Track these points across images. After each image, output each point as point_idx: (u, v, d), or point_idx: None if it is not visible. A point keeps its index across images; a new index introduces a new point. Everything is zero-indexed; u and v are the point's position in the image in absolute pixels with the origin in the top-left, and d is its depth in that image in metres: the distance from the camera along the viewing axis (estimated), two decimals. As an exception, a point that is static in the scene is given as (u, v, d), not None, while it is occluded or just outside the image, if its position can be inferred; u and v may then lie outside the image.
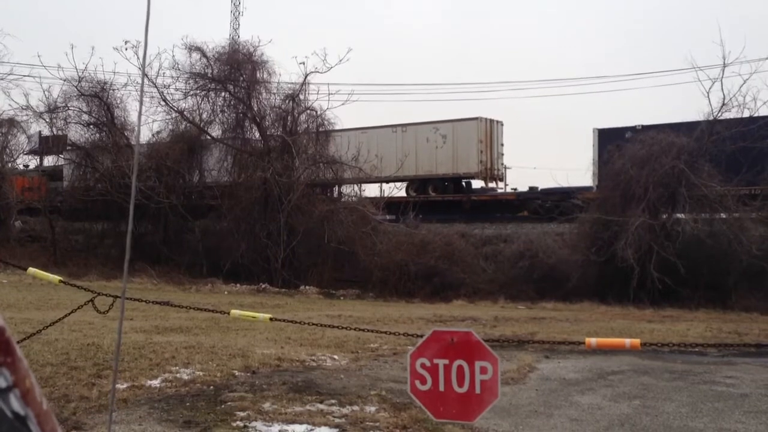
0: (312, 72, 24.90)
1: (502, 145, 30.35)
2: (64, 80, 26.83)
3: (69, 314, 5.93)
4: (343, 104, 26.29)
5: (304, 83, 25.36)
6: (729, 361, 9.76)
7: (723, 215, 20.07)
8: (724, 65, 19.86)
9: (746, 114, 20.15)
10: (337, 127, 26.81)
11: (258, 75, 26.15)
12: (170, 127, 27.52)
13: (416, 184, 30.48)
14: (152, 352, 8.76)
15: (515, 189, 30.92)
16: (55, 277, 6.17)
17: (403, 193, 29.58)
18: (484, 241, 25.01)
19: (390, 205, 24.96)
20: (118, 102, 28.20)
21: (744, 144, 19.81)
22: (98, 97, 27.57)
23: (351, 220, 23.52)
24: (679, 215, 20.65)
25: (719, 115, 20.44)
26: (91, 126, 28.25)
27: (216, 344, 9.74)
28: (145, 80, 25.33)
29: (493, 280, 22.16)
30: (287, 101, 26.06)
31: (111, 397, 3.36)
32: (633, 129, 24.85)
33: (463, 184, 30.62)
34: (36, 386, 0.78)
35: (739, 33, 23.46)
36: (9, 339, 0.75)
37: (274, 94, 26.44)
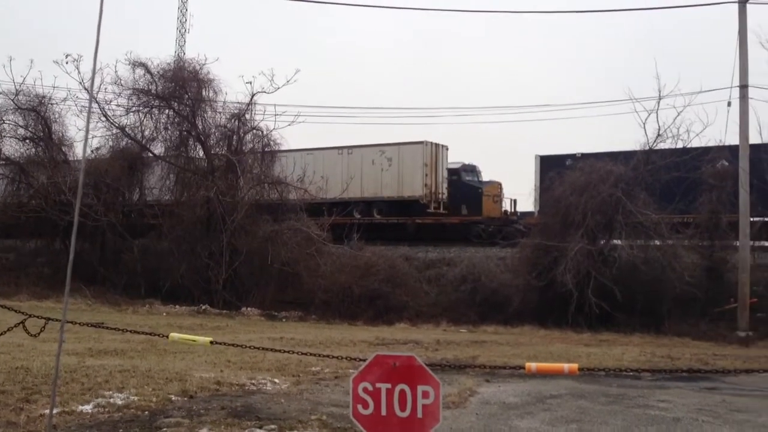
0: (259, 92, 24.81)
1: (447, 169, 30.75)
2: (0, 93, 26.13)
3: (-3, 336, 5.69)
4: (289, 125, 26.36)
5: (250, 103, 25.24)
6: (662, 385, 10.02)
7: (657, 242, 20.70)
8: (660, 98, 20.64)
9: (680, 145, 20.92)
10: (283, 148, 26.74)
11: (204, 93, 25.90)
12: (110, 143, 26.94)
13: (361, 206, 30.53)
14: (84, 376, 8.46)
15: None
16: (-16, 298, 5.92)
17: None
18: (427, 265, 25.18)
19: (335, 227, 24.90)
20: (56, 116, 27.55)
21: (677, 174, 20.52)
22: (35, 111, 26.86)
23: (295, 241, 23.36)
24: (616, 241, 21.19)
25: (655, 145, 21.17)
26: (27, 140, 27.46)
27: (152, 368, 9.48)
28: (86, 95, 24.82)
29: (436, 303, 22.30)
30: (233, 120, 25.87)
31: (48, 421, 3.24)
32: (573, 157, 25.53)
33: (408, 207, 30.79)
34: None
35: (675, 67, 24.46)
36: None
37: (220, 113, 26.24)
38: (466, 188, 30.07)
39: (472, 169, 31.03)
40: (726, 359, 13.65)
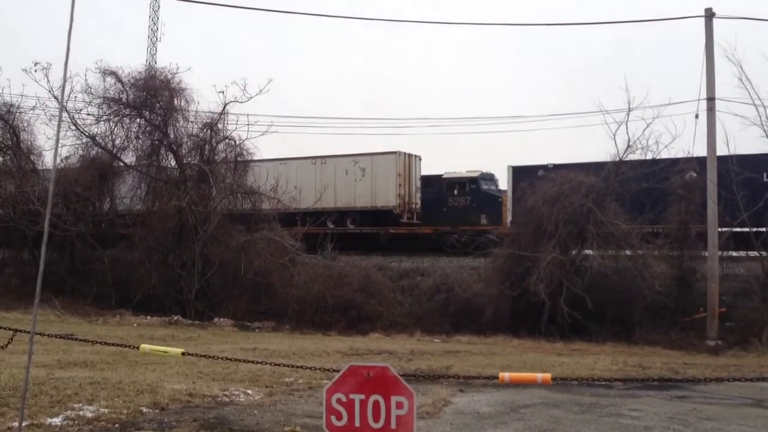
0: (231, 101, 24.63)
1: (420, 179, 30.88)
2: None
3: (-37, 349, 5.57)
4: (262, 135, 26.04)
5: (223, 112, 25.05)
6: (633, 394, 10.12)
7: (628, 252, 20.96)
8: (629, 110, 20.95)
9: (649, 156, 21.23)
10: (255, 158, 26.58)
11: (175, 102, 25.67)
12: (80, 152, 26.55)
13: (335, 216, 30.52)
14: (53, 388, 8.31)
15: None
16: (-51, 309, 5.80)
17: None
18: (401, 275, 25.21)
19: (308, 237, 24.84)
20: (25, 125, 27.07)
21: (647, 185, 20.84)
22: (3, 120, 26.44)
23: (268, 251, 23.23)
24: (587, 251, 21.40)
25: (624, 156, 21.46)
26: (-5, 149, 26.99)
27: (123, 379, 9.34)
28: (56, 104, 24.47)
29: (410, 313, 22.32)
30: (205, 130, 25.66)
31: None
32: (545, 167, 25.81)
33: (382, 217, 30.84)
34: None
35: (644, 80, 24.97)
36: None
37: (192, 122, 26.01)
38: (486, 197, 29.26)
39: (490, 178, 30.20)
40: (696, 368, 13.84)
